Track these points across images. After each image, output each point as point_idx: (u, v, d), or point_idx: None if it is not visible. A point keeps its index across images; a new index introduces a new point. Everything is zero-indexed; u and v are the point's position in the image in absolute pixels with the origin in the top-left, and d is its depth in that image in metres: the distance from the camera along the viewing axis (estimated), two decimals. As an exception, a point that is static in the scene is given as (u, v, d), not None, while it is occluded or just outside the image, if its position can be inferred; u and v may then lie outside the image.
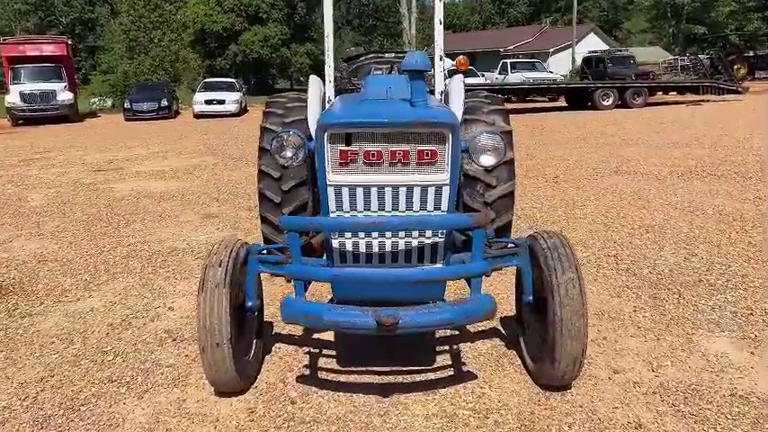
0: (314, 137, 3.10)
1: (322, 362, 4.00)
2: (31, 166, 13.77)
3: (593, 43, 50.39)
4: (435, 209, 3.21)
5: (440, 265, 3.36)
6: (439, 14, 5.24)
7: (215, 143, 17.28)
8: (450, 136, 3.07)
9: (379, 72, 5.75)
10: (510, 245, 3.76)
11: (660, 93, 28.11)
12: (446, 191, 3.17)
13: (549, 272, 3.35)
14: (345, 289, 3.35)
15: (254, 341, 3.89)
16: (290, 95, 5.68)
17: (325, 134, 3.07)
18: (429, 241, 3.30)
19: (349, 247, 3.32)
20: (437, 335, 4.30)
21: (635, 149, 13.30)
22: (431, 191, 3.17)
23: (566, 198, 8.69)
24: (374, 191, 3.17)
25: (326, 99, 5.40)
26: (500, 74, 34.33)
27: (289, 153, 3.31)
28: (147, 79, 36.61)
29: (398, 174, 3.13)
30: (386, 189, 3.16)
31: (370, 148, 3.08)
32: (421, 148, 3.08)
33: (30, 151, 16.62)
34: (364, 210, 3.21)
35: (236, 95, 29.23)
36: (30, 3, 59.13)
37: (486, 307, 3.13)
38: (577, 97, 26.59)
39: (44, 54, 28.98)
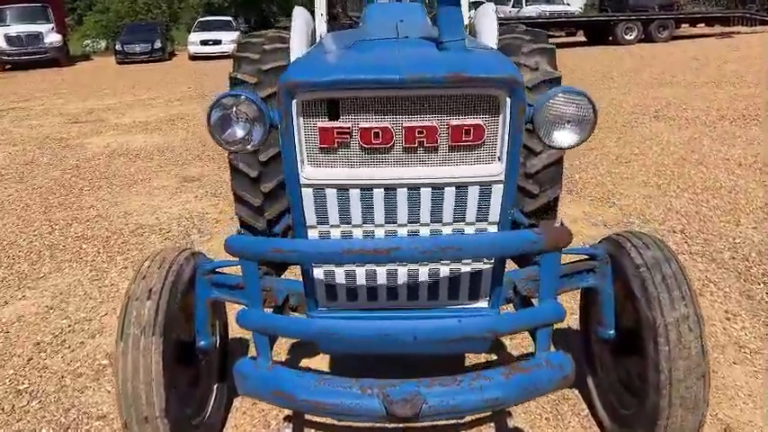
0: (277, 104, 1.85)
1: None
2: (3, 117, 12.52)
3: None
4: (480, 220, 2.00)
5: (485, 305, 2.17)
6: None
7: (208, 88, 15.86)
8: (509, 101, 1.82)
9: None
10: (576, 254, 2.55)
11: (686, 25, 26.17)
12: (498, 192, 1.95)
13: (649, 305, 2.18)
14: (336, 344, 2.19)
15: (214, 387, 2.78)
16: (269, 34, 4.39)
17: (294, 101, 1.83)
18: (468, 268, 2.10)
19: (340, 278, 2.13)
20: (468, 358, 3.18)
21: (671, 90, 11.87)
22: (473, 192, 1.95)
23: (605, 152, 7.42)
24: (379, 193, 1.95)
25: (317, 38, 4.13)
26: (514, 6, 32.18)
27: (239, 131, 2.05)
28: (142, 19, 34.73)
29: (419, 165, 1.92)
30: (398, 190, 1.94)
31: (371, 125, 1.85)
32: (457, 123, 1.84)
33: (8, 99, 15.32)
34: (363, 223, 2.00)
35: (233, 35, 27.44)
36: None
37: (559, 375, 1.96)
38: (597, 31, 24.75)
39: (29, -7, 27.22)
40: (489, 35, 4.00)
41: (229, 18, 30.60)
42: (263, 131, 2.02)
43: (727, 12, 26.18)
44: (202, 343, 2.52)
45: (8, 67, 25.32)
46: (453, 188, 1.92)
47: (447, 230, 2.00)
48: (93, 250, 4.97)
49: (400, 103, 1.82)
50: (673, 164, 6.74)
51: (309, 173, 1.92)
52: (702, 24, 26.30)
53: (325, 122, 1.85)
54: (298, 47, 3.98)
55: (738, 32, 24.60)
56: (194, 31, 27.88)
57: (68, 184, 7.03)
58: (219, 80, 17.04)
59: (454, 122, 1.83)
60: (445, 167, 1.90)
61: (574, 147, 2.09)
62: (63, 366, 3.34)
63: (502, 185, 1.92)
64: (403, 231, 2.00)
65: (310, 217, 1.99)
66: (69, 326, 3.78)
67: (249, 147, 2.05)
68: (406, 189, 1.92)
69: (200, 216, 5.62)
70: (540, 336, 1.99)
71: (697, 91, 11.60)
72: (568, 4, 34.00)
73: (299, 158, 1.90)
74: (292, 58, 3.92)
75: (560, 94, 1.97)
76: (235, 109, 2.01)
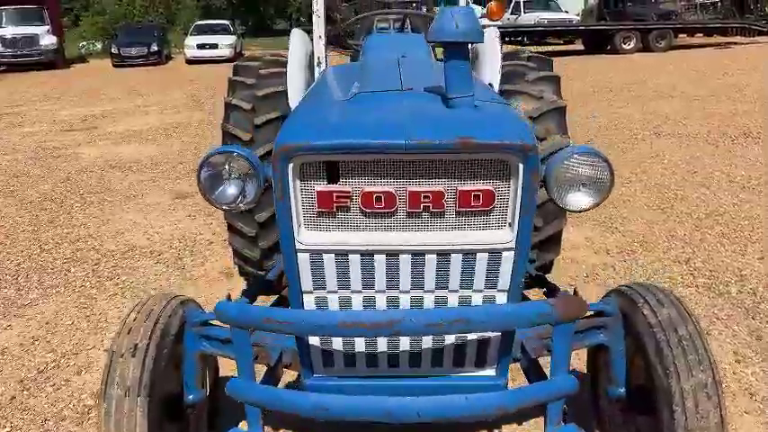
0: (272, 167, 1.72)
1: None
2: (-5, 124, 12.36)
3: (608, -20, 47.45)
4: (488, 287, 1.87)
5: (492, 373, 2.04)
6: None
7: (204, 94, 15.72)
8: (521, 167, 1.71)
9: (385, 27, 4.26)
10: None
11: (685, 35, 26.15)
12: (509, 260, 1.83)
13: (664, 370, 2.06)
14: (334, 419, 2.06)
15: (203, 440, 2.65)
16: (265, 57, 4.27)
17: (291, 165, 1.71)
18: (475, 336, 1.97)
19: (338, 344, 2.00)
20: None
21: (672, 103, 11.79)
22: (481, 259, 1.83)
23: (606, 171, 7.28)
24: (380, 259, 1.83)
25: (315, 61, 4.00)
26: (512, 14, 32.14)
27: (230, 190, 1.92)
28: (139, 21, 34.55)
29: (424, 230, 1.79)
30: (401, 256, 1.81)
31: (373, 189, 1.73)
32: (466, 188, 1.73)
33: (2, 104, 15.14)
34: (363, 289, 1.88)
35: (230, 39, 27.37)
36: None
37: None
38: (596, 40, 24.68)
39: (24, -7, 27.01)
40: (493, 62, 3.88)
41: (226, 22, 30.43)
42: (257, 188, 1.89)
43: (725, 22, 26.14)
44: (191, 397, 2.39)
45: (2, 69, 25.11)
46: (460, 255, 1.80)
47: (453, 298, 1.88)
48: (81, 274, 4.83)
49: (405, 167, 1.70)
50: (675, 185, 6.64)
51: (306, 237, 1.79)
52: (701, 35, 26.28)
53: (323, 186, 1.72)
54: (295, 72, 3.86)
55: (736, 43, 24.59)
56: (191, 35, 27.73)
57: (59, 199, 6.88)
58: (215, 86, 16.92)
59: (463, 187, 1.71)
60: (452, 233, 1.78)
61: (588, 210, 1.96)
62: (46, 407, 3.20)
63: (512, 253, 1.80)
64: (406, 298, 1.88)
65: (306, 282, 1.87)
66: (54, 360, 3.64)
67: (243, 205, 1.92)
68: (409, 255, 1.80)
69: (193, 237, 5.48)
70: (552, 410, 1.86)
71: (697, 105, 11.52)
72: (567, 12, 34.01)
73: (294, 222, 1.78)
74: (289, 84, 3.79)
75: (575, 156, 1.85)
76: (227, 165, 1.88)
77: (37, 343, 3.85)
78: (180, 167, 8.14)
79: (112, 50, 26.52)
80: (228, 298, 2.35)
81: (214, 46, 26.35)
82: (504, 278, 1.85)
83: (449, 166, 1.71)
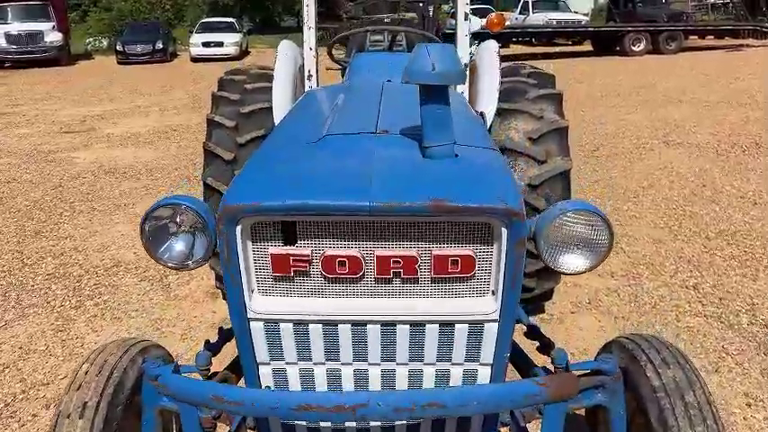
0: (216, 229, 1.51)
1: None
2: (-6, 124, 12.21)
3: (618, -21, 46.90)
4: (469, 360, 1.66)
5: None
6: (465, -47, 3.64)
7: (206, 95, 15.37)
8: (505, 232, 1.49)
9: (379, 40, 4.02)
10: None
11: (695, 37, 25.76)
12: (492, 332, 1.61)
13: (670, 441, 1.84)
14: None
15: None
16: (252, 70, 4.06)
17: (238, 227, 1.50)
18: (454, 412, 1.76)
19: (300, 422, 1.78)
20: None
21: (681, 109, 11.52)
22: (461, 331, 1.61)
23: (612, 183, 7.06)
24: (345, 330, 1.61)
25: (305, 74, 3.79)
26: (520, 14, 31.80)
27: (179, 247, 1.71)
28: (146, 18, 34.40)
29: (395, 297, 1.58)
30: (369, 326, 1.60)
31: (336, 252, 1.52)
32: (442, 252, 1.51)
33: (1, 103, 15.00)
34: (327, 360, 1.67)
35: (235, 37, 27.17)
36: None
37: None
38: (605, 41, 24.34)
39: (29, -11, 26.90)
40: (491, 79, 3.66)
41: (232, 20, 30.22)
42: (209, 244, 1.68)
43: (737, 24, 25.73)
44: (151, 456, 2.19)
45: (7, 65, 25.02)
46: (437, 326, 1.59)
47: (429, 371, 1.67)
48: (62, 293, 4.64)
49: (372, 228, 1.49)
50: (683, 201, 6.39)
51: (259, 304, 1.58)
52: (711, 36, 25.88)
53: (279, 248, 1.51)
54: (282, 87, 3.66)
55: (748, 45, 24.17)
56: (196, 33, 27.56)
57: (48, 208, 6.70)
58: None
59: (438, 251, 1.50)
60: (427, 301, 1.57)
61: (582, 273, 1.74)
62: (9, 448, 3.01)
63: (496, 324, 1.58)
64: (375, 371, 1.67)
65: (262, 353, 1.66)
66: (23, 391, 3.45)
67: (192, 263, 1.71)
68: (378, 325, 1.59)
69: (181, 253, 5.28)
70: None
71: (707, 112, 11.24)
72: (576, 12, 33.66)
73: (245, 288, 1.57)
74: (274, 101, 3.59)
75: (570, 213, 1.63)
76: (171, 216, 1.67)
77: (7, 371, 3.66)
78: (174, 174, 7.96)
79: (117, 48, 26.36)
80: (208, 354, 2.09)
81: (219, 44, 26.17)
82: (487, 351, 1.63)
83: (422, 227, 1.50)
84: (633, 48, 23.05)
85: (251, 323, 1.61)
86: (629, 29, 23.66)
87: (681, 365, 1.98)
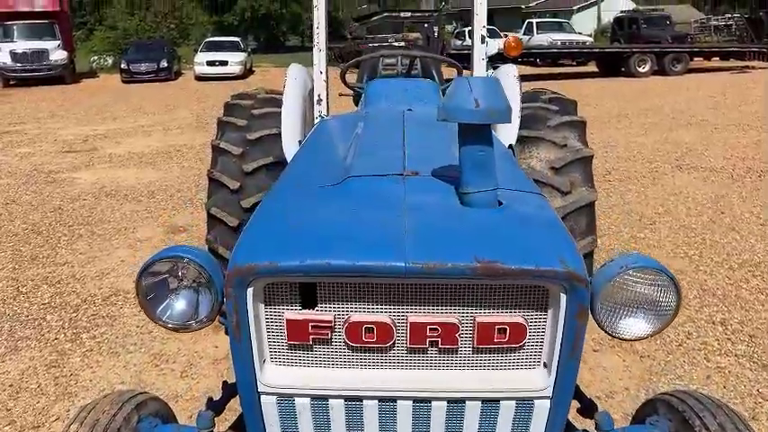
0: (224, 291, 1.31)
1: None
2: (-5, 143, 12.08)
3: (620, 1, 47.17)
4: (516, 443, 1.44)
5: None
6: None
7: (210, 114, 15.39)
8: (563, 298, 1.29)
9: (391, 64, 3.84)
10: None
11: (700, 58, 25.71)
12: (543, 411, 1.40)
13: None
14: None
15: None
16: (260, 94, 3.89)
17: (250, 290, 1.30)
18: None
19: None
20: None
21: (691, 132, 11.35)
22: (507, 410, 1.40)
23: (627, 210, 6.86)
24: (372, 407, 1.40)
25: (315, 99, 3.61)
26: (524, 35, 31.85)
27: (180, 306, 1.51)
28: (151, 37, 34.53)
29: (430, 369, 1.37)
30: (399, 403, 1.39)
31: (362, 317, 1.31)
32: (487, 319, 1.31)
33: (5, 121, 14.91)
34: (351, 439, 1.45)
35: (240, 56, 27.19)
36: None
37: None
38: (610, 62, 24.27)
39: (36, 10, 27.02)
40: (511, 103, 3.48)
41: (237, 39, 30.29)
42: (214, 302, 1.47)
43: (743, 46, 25.71)
44: None
45: (12, 83, 25.01)
46: (479, 403, 1.37)
47: (467, 454, 1.45)
48: (57, 324, 4.43)
49: (406, 290, 1.28)
50: (702, 228, 6.19)
51: (272, 376, 1.37)
52: (717, 58, 25.83)
53: (296, 312, 1.31)
54: (291, 113, 3.48)
55: (753, 67, 24.10)
56: (201, 52, 27.58)
57: (47, 231, 6.51)
58: (222, 106, 16.55)
59: (483, 318, 1.29)
60: (468, 374, 1.36)
61: (643, 339, 1.54)
62: (-7, 500, 2.78)
63: (548, 402, 1.37)
64: (404, 453, 1.45)
65: (274, 431, 1.44)
66: (11, 437, 3.23)
67: (195, 324, 1.51)
68: (410, 402, 1.37)
69: (183, 281, 5.08)
70: None
71: (718, 135, 11.07)
72: (580, 33, 33.74)
73: (256, 358, 1.36)
74: (283, 127, 3.41)
75: (631, 271, 1.42)
76: (172, 271, 1.47)
77: (-5, 412, 3.44)
78: (177, 196, 7.77)
79: (122, 66, 26.38)
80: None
81: (224, 63, 26.17)
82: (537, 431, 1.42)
83: (464, 289, 1.29)
84: (639, 69, 22.97)
85: (262, 397, 1.40)
86: (635, 50, 23.60)
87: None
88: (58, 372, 3.82)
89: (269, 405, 1.42)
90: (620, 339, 1.51)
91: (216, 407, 1.87)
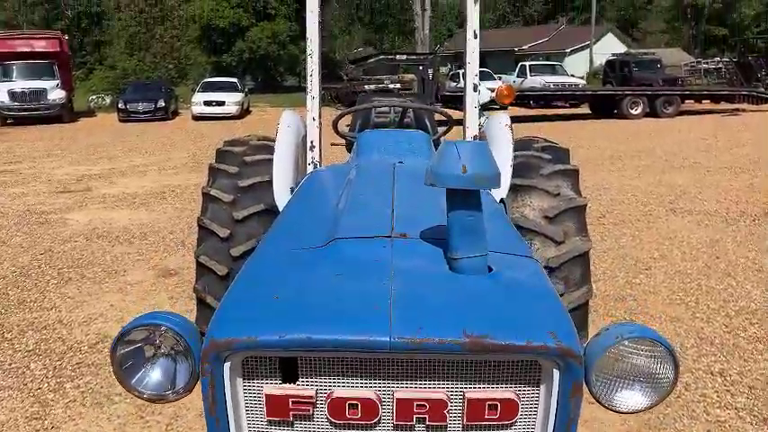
0: (200, 366, 1.25)
1: None
2: (-11, 183, 12.05)
3: (611, 44, 48.01)
4: None
5: None
6: (473, 25, 3.50)
7: (206, 154, 15.42)
8: (557, 374, 1.23)
9: (384, 113, 3.85)
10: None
11: (691, 101, 26.10)
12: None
13: None
14: None
15: None
16: (252, 141, 3.87)
17: (227, 364, 1.24)
18: None
19: None
20: None
21: (684, 175, 11.42)
22: (496, 490, 1.33)
23: (622, 254, 6.82)
24: (356, 487, 1.33)
25: (308, 145, 3.60)
26: (518, 77, 32.34)
27: (156, 375, 1.45)
28: (149, 77, 34.94)
29: (417, 447, 1.30)
30: (383, 484, 1.32)
31: (346, 393, 1.26)
32: (477, 395, 1.25)
33: (0, 161, 14.90)
34: None
35: (237, 96, 27.45)
36: (35, -5, 57.47)
37: None
38: (602, 104, 24.61)
39: (36, 50, 27.32)
40: (504, 153, 3.46)
41: (234, 80, 30.62)
42: (192, 371, 1.41)
43: (733, 89, 26.12)
44: None
45: (10, 122, 25.12)
46: (468, 483, 1.31)
47: None
48: (41, 373, 4.31)
49: (391, 365, 1.23)
50: (697, 273, 6.15)
51: (252, 453, 1.31)
52: (708, 101, 26.21)
53: (276, 387, 1.25)
54: (283, 159, 3.45)
55: (744, 110, 24.44)
56: (198, 92, 27.84)
57: (35, 274, 6.42)
58: (219, 145, 16.60)
59: (473, 394, 1.24)
60: (457, 452, 1.29)
61: (639, 412, 1.48)
62: None
63: (541, 481, 1.31)
64: None
65: None
66: (-12, 493, 3.10)
67: (171, 395, 1.44)
68: (396, 483, 1.31)
69: (172, 327, 4.98)
70: None
71: (711, 178, 11.14)
72: (572, 75, 34.27)
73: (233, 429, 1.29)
74: (275, 174, 3.38)
75: (626, 341, 1.37)
76: (148, 340, 1.41)
77: (-27, 467, 3.32)
78: (169, 238, 7.71)
79: (119, 105, 26.57)
80: None
81: (221, 103, 26.39)
82: None
83: (453, 363, 1.24)
84: (631, 111, 23.27)
85: (237, 474, 1.33)
86: (627, 92, 23.94)
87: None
88: (39, 424, 3.70)
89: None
90: (617, 412, 1.45)
91: None
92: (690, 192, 10.00)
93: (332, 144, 4.08)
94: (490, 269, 1.39)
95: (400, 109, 3.57)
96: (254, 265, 1.64)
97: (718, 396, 3.90)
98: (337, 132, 3.65)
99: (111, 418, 3.76)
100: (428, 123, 3.89)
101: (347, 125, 4.83)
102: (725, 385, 4.03)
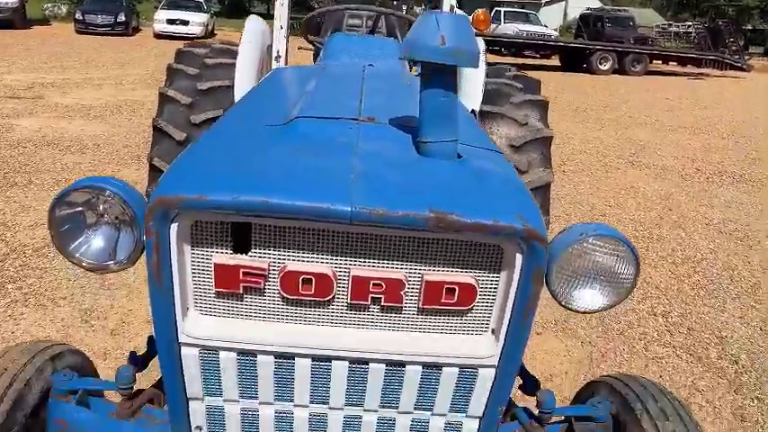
0: (144, 227, 1.18)
1: None
2: (-68, 82, 11.38)
3: (586, -1, 47.59)
4: (455, 411, 1.36)
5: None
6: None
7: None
8: (520, 258, 1.20)
9: (356, 25, 3.70)
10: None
11: (659, 61, 26.27)
12: (487, 380, 1.32)
13: None
14: None
15: None
16: (215, 44, 3.70)
17: (174, 225, 1.17)
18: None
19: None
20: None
21: (646, 132, 11.56)
22: (448, 375, 1.32)
23: (579, 200, 6.91)
24: (304, 365, 1.30)
25: (273, 55, 3.45)
26: (492, 22, 31.82)
27: (97, 242, 1.37)
28: (109, -12, 33.16)
29: (370, 329, 1.27)
30: (334, 363, 1.29)
31: (301, 267, 1.20)
32: (435, 278, 1.21)
33: (-56, 62, 14.08)
34: (277, 400, 1.35)
35: (202, 17, 26.41)
36: None
37: None
38: (573, 57, 24.54)
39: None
40: (476, 79, 3.39)
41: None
42: (137, 242, 1.34)
43: (701, 53, 26.33)
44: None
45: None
46: (419, 367, 1.29)
47: (404, 421, 1.37)
48: (-21, 277, 4.17)
49: (350, 240, 1.18)
50: (650, 222, 6.28)
51: (195, 326, 1.25)
52: (675, 62, 26.42)
53: (226, 256, 1.19)
54: (246, 66, 3.30)
55: (708, 75, 24.75)
56: (162, 9, 26.64)
57: (-21, 177, 6.14)
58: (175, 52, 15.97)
59: (431, 276, 1.20)
60: (411, 337, 1.26)
61: (596, 312, 1.47)
62: None
63: (493, 371, 1.29)
64: (337, 416, 1.36)
65: (194, 386, 1.32)
66: None
67: (113, 265, 1.37)
68: (346, 362, 1.27)
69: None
70: None
71: (672, 136, 11.31)
72: (546, 27, 33.94)
73: (178, 303, 1.23)
74: (237, 79, 3.24)
75: (590, 239, 1.35)
76: (100, 206, 1.32)
77: None
78: (123, 151, 7.45)
79: (77, 16, 25.26)
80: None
81: (185, 22, 25.36)
82: (478, 401, 1.34)
83: (414, 243, 1.20)
84: (600, 66, 23.30)
85: (182, 349, 1.27)
86: (598, 47, 23.89)
87: (682, 419, 1.74)
88: (-24, 327, 3.59)
89: (190, 358, 1.29)
90: (573, 311, 1.44)
91: (138, 363, 1.74)
92: (650, 147, 10.14)
93: (299, 48, 3.93)
94: (459, 156, 1.34)
95: (372, 21, 3.44)
96: (210, 135, 1.55)
97: (658, 335, 4.04)
98: (306, 35, 3.50)
99: (54, 321, 3.67)
100: (400, 36, 3.77)
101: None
102: (666, 326, 4.17)
